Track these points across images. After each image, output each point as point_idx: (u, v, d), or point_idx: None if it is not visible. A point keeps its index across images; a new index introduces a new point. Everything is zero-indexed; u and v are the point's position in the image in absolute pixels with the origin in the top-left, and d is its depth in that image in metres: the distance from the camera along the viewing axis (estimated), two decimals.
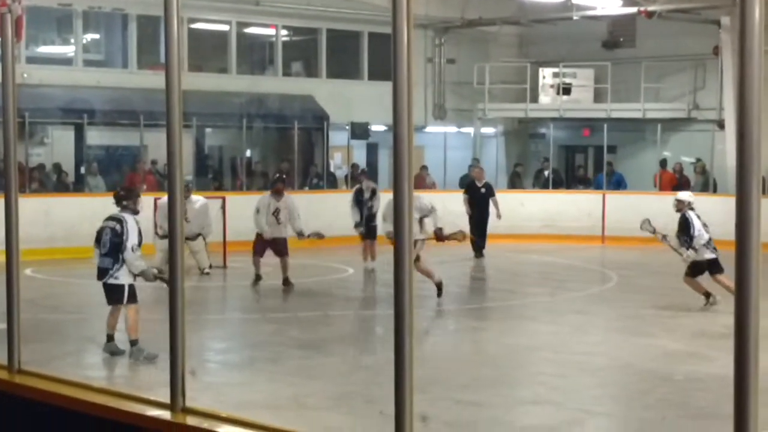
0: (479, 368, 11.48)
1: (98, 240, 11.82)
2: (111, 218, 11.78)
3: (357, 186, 21.38)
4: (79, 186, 24.07)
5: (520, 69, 30.06)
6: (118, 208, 11.78)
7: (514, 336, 13.63)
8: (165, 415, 3.96)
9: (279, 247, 17.44)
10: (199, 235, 18.73)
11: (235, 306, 17.06)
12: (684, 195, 15.78)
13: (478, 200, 22.59)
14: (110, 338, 11.72)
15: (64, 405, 4.26)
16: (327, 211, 24.85)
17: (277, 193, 17.67)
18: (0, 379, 4.63)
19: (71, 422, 4.25)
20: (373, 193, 20.53)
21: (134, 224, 11.58)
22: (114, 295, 11.64)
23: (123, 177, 24.77)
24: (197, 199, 19.22)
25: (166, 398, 4.04)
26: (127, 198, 11.80)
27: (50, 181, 24.18)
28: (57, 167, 24.40)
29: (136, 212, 11.80)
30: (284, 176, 20.05)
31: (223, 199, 21.09)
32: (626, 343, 12.91)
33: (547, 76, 29.76)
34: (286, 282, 17.19)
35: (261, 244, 17.52)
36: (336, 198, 25.65)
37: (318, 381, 10.65)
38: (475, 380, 10.76)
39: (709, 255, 14.85)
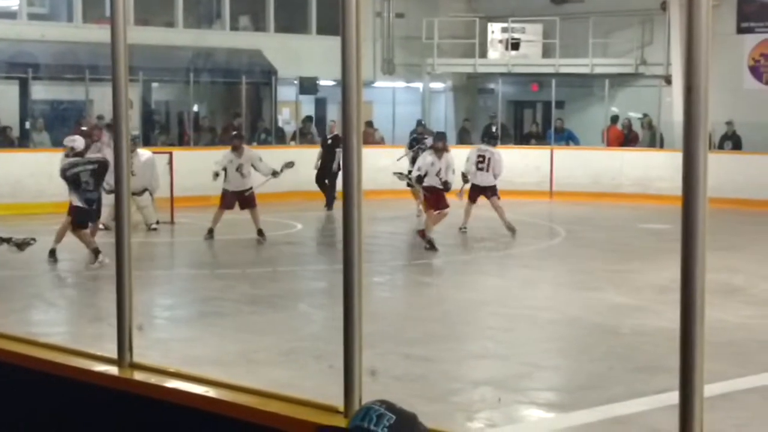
0: (428, 323, 11.52)
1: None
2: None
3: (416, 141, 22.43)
4: (24, 142, 23.81)
5: (469, 24, 30.01)
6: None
7: (462, 291, 13.69)
8: (112, 370, 3.94)
9: (247, 199, 17.54)
10: (145, 190, 18.63)
11: (183, 261, 16.99)
12: None
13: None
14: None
15: (9, 360, 4.23)
16: (276, 166, 24.77)
17: (237, 149, 17.72)
18: None
19: (16, 378, 4.22)
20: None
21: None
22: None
23: (68, 132, 24.51)
24: (143, 153, 19.11)
25: (113, 354, 4.02)
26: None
27: None
28: None
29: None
30: (241, 132, 20.43)
31: (170, 154, 20.96)
32: (574, 297, 13.01)
33: (495, 31, 29.72)
34: (261, 233, 17.33)
35: (229, 198, 17.60)
36: (284, 153, 25.57)
37: (267, 336, 10.65)
38: (425, 335, 10.81)
39: None
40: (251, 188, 17.56)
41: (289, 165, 17.98)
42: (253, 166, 17.59)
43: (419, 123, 25.68)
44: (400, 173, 20.31)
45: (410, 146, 22.88)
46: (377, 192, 21.28)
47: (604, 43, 28.99)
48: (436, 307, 12.71)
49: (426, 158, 17.06)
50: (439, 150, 17.10)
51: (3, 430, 4.32)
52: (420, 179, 17.02)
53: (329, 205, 22.50)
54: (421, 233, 16.82)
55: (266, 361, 9.54)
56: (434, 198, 16.85)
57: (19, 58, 23.80)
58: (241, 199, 17.49)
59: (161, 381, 3.80)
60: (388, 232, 19.01)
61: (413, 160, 21.76)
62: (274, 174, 17.69)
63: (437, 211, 16.84)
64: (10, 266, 14.94)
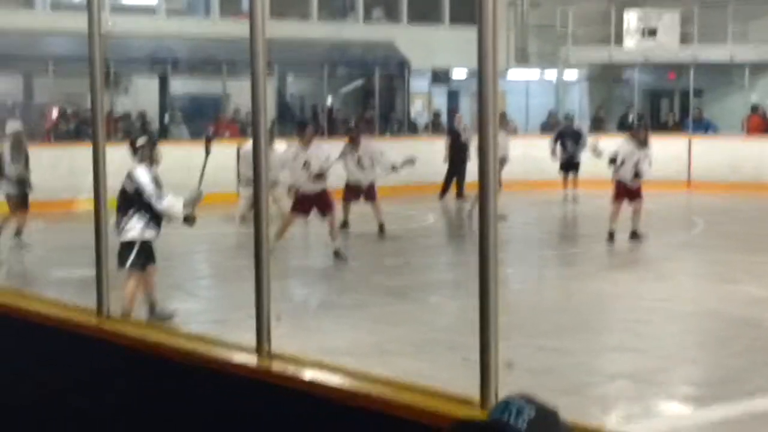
0: (562, 315, 11.43)
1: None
2: (127, 175, 10.82)
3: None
4: (163, 135, 24.31)
5: (604, 12, 29.60)
6: (135, 158, 10.92)
7: (598, 282, 13.55)
8: (251, 360, 3.99)
9: (369, 191, 17.45)
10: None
11: (317, 253, 17.14)
12: None
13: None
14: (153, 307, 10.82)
15: (151, 351, 4.32)
16: (398, 160, 24.82)
17: (353, 142, 17.57)
18: (90, 326, 4.70)
19: (158, 368, 4.31)
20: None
21: (146, 174, 10.70)
22: (123, 252, 10.43)
23: (206, 126, 24.96)
24: (280, 146, 19.36)
25: (251, 344, 4.07)
26: (143, 147, 11.01)
27: (135, 130, 24.41)
28: (142, 116, 24.65)
29: (153, 161, 11.00)
30: (358, 125, 20.57)
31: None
32: (713, 290, 12.77)
33: (632, 18, 29.27)
34: (381, 228, 17.23)
35: (351, 192, 17.51)
36: (417, 145, 25.62)
37: (400, 327, 10.69)
38: (558, 327, 10.73)
39: None
40: (372, 182, 17.47)
41: (410, 162, 17.35)
42: (372, 159, 17.44)
43: (567, 117, 25.29)
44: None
45: (559, 141, 22.78)
46: (508, 183, 21.16)
47: (744, 30, 28.31)
48: (571, 299, 12.60)
49: (625, 146, 16.52)
50: (639, 140, 16.49)
51: (143, 419, 4.41)
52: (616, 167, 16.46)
53: (460, 195, 22.47)
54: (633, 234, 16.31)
55: (400, 352, 9.58)
56: (625, 191, 16.38)
57: (159, 54, 24.31)
58: (365, 192, 17.44)
59: (299, 371, 3.84)
60: (520, 223, 18.91)
61: (568, 158, 21.79)
62: (393, 169, 17.48)
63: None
64: None
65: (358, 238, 17.46)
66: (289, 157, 15.34)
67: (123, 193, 10.45)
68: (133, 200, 10.40)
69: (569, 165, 22.63)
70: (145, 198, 10.45)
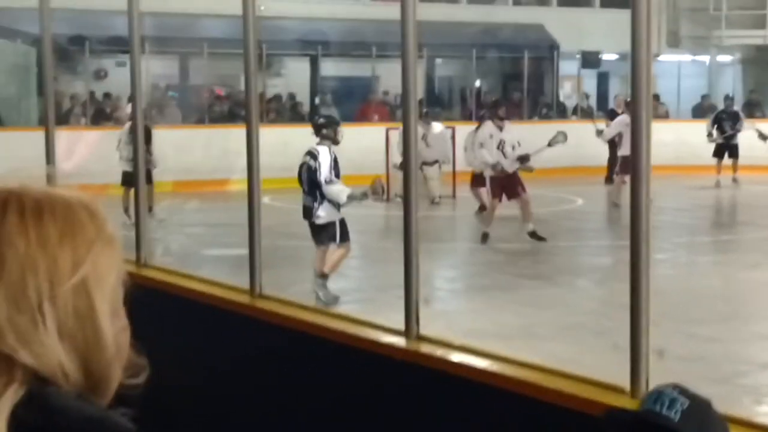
0: (713, 302, 11.23)
1: (299, 176, 11.30)
2: (308, 153, 11.22)
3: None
4: (313, 116, 24.58)
5: None
6: (317, 138, 11.19)
7: (749, 269, 13.25)
8: (400, 342, 4.03)
9: (513, 184, 15.18)
10: (436, 162, 18.96)
11: (464, 235, 17.15)
12: None
13: None
14: (324, 276, 11.09)
15: (303, 329, 4.40)
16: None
17: (499, 123, 15.39)
18: (242, 303, 4.81)
19: (309, 346, 4.39)
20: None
21: (327, 156, 10.90)
22: (321, 234, 11.02)
23: (355, 107, 25.16)
24: (437, 125, 19.47)
25: (400, 325, 4.11)
26: (326, 126, 11.24)
27: (286, 111, 24.77)
28: (291, 97, 24.97)
29: (336, 142, 11.21)
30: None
31: (453, 129, 21.15)
32: None
33: None
34: (534, 235, 14.76)
35: (498, 186, 15.16)
36: (565, 128, 25.35)
37: (547, 311, 10.64)
38: (709, 314, 10.54)
39: None
40: (515, 173, 16.52)
41: (559, 139, 16.44)
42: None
43: (727, 98, 24.59)
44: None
45: (716, 124, 22.30)
46: (660, 167, 20.82)
47: None
48: (722, 286, 12.36)
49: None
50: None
51: (295, 396, 4.50)
52: None
53: (609, 179, 22.20)
54: None
55: (546, 336, 9.53)
56: None
57: (310, 36, 24.58)
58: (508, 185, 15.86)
59: (446, 354, 3.87)
60: (672, 208, 18.59)
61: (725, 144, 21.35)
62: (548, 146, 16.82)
63: None
64: (300, 236, 15.48)
65: (505, 221, 17.40)
66: (485, 137, 15.01)
67: (312, 173, 10.90)
68: (320, 183, 10.76)
69: (727, 148, 22.15)
70: (316, 178, 10.79)
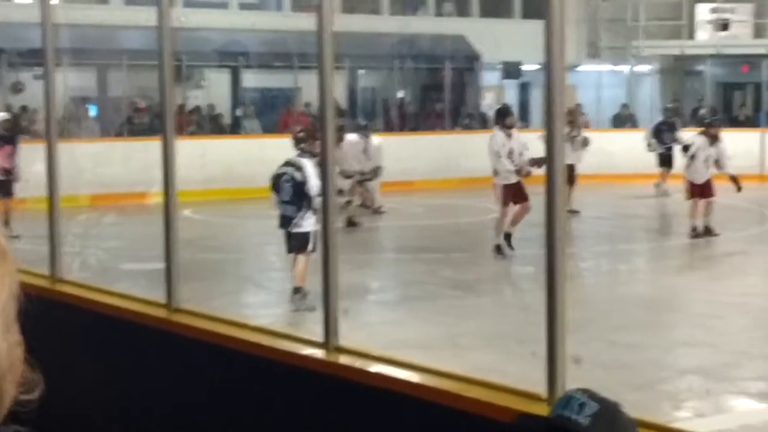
0: (634, 309, 11.34)
1: (275, 186, 11.36)
2: (289, 164, 11.30)
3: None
4: (235, 128, 24.47)
5: (675, 5, 29.28)
6: (296, 151, 11.31)
7: (669, 277, 13.43)
8: (318, 353, 4.01)
9: (521, 190, 14.85)
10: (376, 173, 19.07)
11: (387, 246, 17.18)
12: None
13: None
14: (298, 290, 11.15)
15: (219, 343, 4.36)
16: (478, 151, 24.75)
17: (509, 128, 15.05)
18: (158, 317, 4.76)
19: (226, 360, 4.35)
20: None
21: (314, 168, 10.90)
22: (298, 243, 11.15)
23: (277, 119, 25.09)
24: (375, 138, 19.56)
25: (319, 337, 4.09)
26: (305, 140, 11.31)
27: (207, 123, 24.63)
28: (212, 108, 24.82)
29: (314, 155, 10.98)
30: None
31: (376, 140, 21.16)
32: None
33: (704, 11, 28.93)
34: (508, 238, 14.67)
35: (509, 193, 14.90)
36: (487, 138, 25.51)
37: (471, 321, 10.67)
38: (630, 321, 10.64)
39: None
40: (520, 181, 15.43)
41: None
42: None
43: (668, 109, 24.78)
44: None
45: (656, 135, 22.47)
46: (582, 177, 21.04)
47: None
48: (642, 294, 12.50)
49: (697, 141, 16.20)
50: (711, 136, 16.22)
51: (212, 410, 4.45)
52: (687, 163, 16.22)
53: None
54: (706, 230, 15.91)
55: (470, 346, 9.56)
56: (697, 188, 16.06)
57: (231, 47, 24.47)
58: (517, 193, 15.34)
59: (366, 365, 3.85)
60: (593, 217, 18.78)
61: (665, 154, 21.59)
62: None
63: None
64: (222, 249, 15.41)
65: (429, 231, 17.46)
66: (499, 145, 14.80)
67: (298, 185, 11.02)
68: (305, 193, 10.97)
69: (667, 159, 22.36)
70: (305, 189, 10.97)
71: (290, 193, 11.11)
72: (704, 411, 7.79)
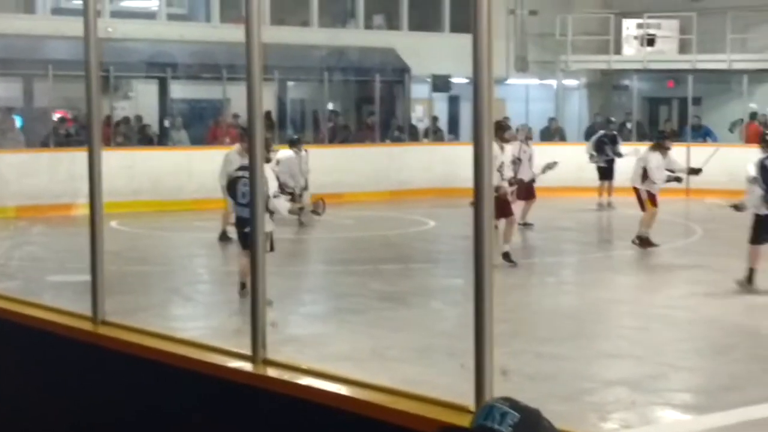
0: (561, 321, 11.42)
1: (231, 189, 12.04)
2: (245, 168, 11.04)
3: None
4: (163, 139, 24.31)
5: (603, 20, 29.64)
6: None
7: (596, 289, 13.54)
8: (246, 366, 3.99)
9: (506, 204, 14.79)
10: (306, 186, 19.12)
11: (316, 258, 17.15)
12: None
13: None
14: (245, 286, 11.43)
15: (146, 356, 4.32)
16: (409, 163, 24.86)
17: (503, 141, 14.88)
18: (84, 330, 4.70)
19: (153, 373, 4.31)
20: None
21: (270, 172, 11.74)
22: None
23: (206, 130, 24.97)
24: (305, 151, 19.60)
25: (248, 349, 4.07)
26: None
27: (134, 134, 24.43)
28: (139, 119, 24.63)
29: (267, 160, 12.01)
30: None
31: (306, 151, 21.15)
32: (711, 297, 12.74)
33: (630, 27, 29.31)
34: (507, 257, 14.59)
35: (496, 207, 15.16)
36: (417, 151, 25.61)
37: (400, 333, 10.68)
38: (557, 333, 10.72)
39: None
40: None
41: (551, 166, 17.50)
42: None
43: (609, 121, 24.90)
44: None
45: (597, 147, 22.66)
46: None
47: (743, 39, 28.33)
48: (570, 306, 12.59)
49: (657, 158, 16.65)
50: (666, 149, 16.81)
51: (139, 424, 4.41)
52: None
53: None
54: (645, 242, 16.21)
55: (399, 358, 9.56)
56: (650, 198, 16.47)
57: (159, 58, 24.30)
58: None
59: (294, 378, 3.84)
60: (519, 229, 18.88)
61: (606, 167, 21.86)
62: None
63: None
64: (149, 262, 15.29)
65: (358, 243, 17.46)
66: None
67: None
68: (268, 196, 11.26)
69: (608, 171, 22.61)
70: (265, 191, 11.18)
71: (248, 195, 11.21)
72: (630, 422, 7.86)
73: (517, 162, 17.54)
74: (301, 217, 18.13)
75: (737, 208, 13.70)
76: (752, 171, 13.07)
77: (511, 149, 15.58)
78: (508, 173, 15.29)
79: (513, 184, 15.28)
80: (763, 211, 12.82)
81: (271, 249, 11.46)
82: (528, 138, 19.55)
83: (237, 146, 16.71)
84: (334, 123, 27.10)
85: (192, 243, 17.52)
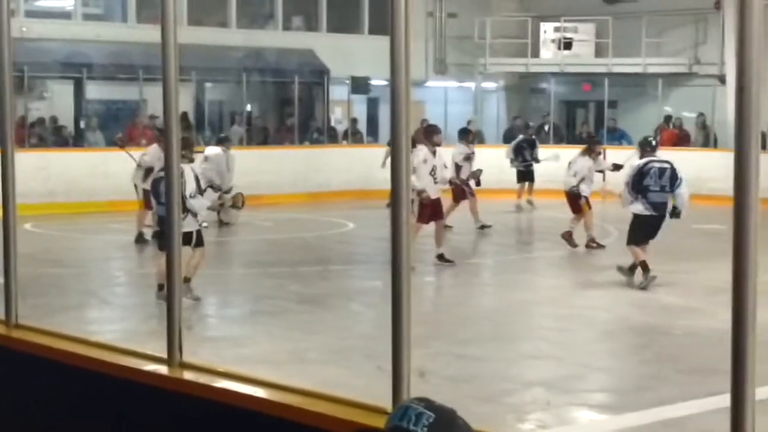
0: (480, 323, 11.49)
1: (154, 190, 12.14)
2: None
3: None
4: (78, 141, 24.01)
5: (521, 23, 29.90)
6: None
7: (515, 291, 13.63)
8: (162, 369, 3.96)
9: (438, 208, 15.22)
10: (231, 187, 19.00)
11: (235, 260, 17.06)
12: None
13: None
14: (163, 287, 11.55)
15: (60, 359, 4.26)
16: (327, 165, 24.83)
17: (435, 146, 15.17)
18: None
19: (68, 376, 4.26)
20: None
21: (191, 173, 11.83)
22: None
23: (122, 131, 24.73)
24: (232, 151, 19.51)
25: (164, 353, 4.03)
26: (184, 147, 11.74)
27: (50, 135, 24.11)
28: (54, 120, 24.30)
29: (191, 161, 12.34)
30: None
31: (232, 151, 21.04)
32: (626, 298, 12.91)
33: (548, 30, 29.60)
34: (442, 258, 15.05)
35: (426, 211, 14.91)
36: (336, 153, 25.60)
37: (318, 335, 10.67)
38: (476, 335, 10.78)
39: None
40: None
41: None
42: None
43: (527, 125, 25.15)
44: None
45: (516, 151, 22.89)
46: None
47: (658, 43, 28.77)
48: (488, 307, 12.67)
49: (585, 163, 17.08)
50: (597, 154, 17.57)
51: (53, 428, 4.35)
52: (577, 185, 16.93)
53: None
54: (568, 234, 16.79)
55: (317, 360, 9.56)
56: (578, 203, 17.01)
57: (74, 58, 24.00)
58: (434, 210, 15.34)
59: (210, 380, 3.81)
60: (477, 231, 18.95)
61: (525, 170, 22.18)
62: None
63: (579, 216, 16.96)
64: (65, 264, 15.10)
65: (277, 245, 17.41)
66: (419, 161, 14.63)
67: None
68: (183, 196, 11.50)
69: (527, 174, 22.91)
70: (183, 193, 11.45)
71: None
72: (547, 423, 7.93)
73: (470, 159, 18.99)
74: (222, 215, 18.15)
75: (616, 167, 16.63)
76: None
77: (468, 150, 16.03)
78: (447, 174, 15.45)
79: (454, 184, 15.55)
80: (643, 212, 13.54)
81: (198, 245, 11.83)
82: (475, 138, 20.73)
83: (154, 146, 16.65)
84: (252, 124, 26.97)
85: (108, 245, 17.34)
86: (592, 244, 16.86)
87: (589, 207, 16.97)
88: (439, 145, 15.32)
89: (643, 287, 13.09)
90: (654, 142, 14.40)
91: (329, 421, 3.30)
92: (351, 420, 3.25)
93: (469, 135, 19.64)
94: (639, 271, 13.38)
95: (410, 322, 3.23)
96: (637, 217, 13.60)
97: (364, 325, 11.35)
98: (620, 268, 13.60)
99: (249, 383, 3.71)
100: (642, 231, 13.49)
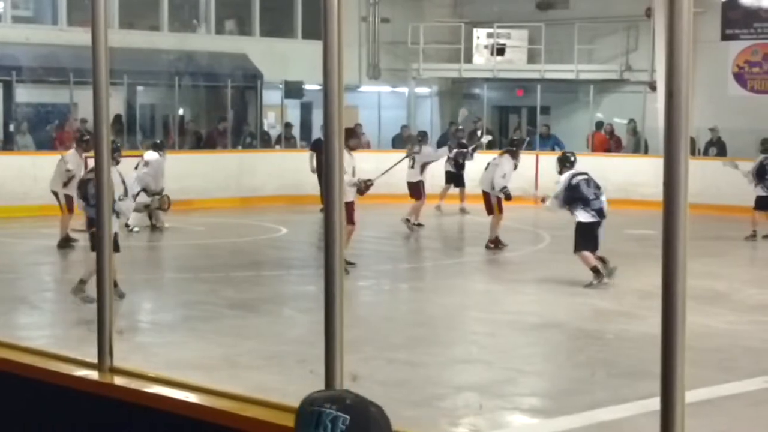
0: (413, 328, 11.51)
1: (82, 191, 12.26)
2: (92, 170, 11.81)
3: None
4: (7, 144, 23.72)
5: (454, 29, 30.02)
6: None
7: (447, 296, 13.67)
8: (92, 375, 3.91)
9: (350, 212, 14.85)
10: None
11: (166, 265, 16.95)
12: None
13: None
14: (84, 281, 11.80)
15: None
16: (260, 170, 24.75)
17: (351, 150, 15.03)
18: None
19: None
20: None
21: (117, 175, 11.86)
22: None
23: (52, 135, 24.46)
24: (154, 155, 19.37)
25: (94, 358, 3.99)
26: (113, 151, 12.07)
27: None
28: None
29: (117, 163, 12.61)
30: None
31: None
32: (558, 302, 13.01)
33: (481, 36, 29.75)
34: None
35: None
36: (269, 157, 25.51)
37: (250, 340, 10.63)
38: (409, 339, 10.79)
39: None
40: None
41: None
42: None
43: (459, 131, 25.24)
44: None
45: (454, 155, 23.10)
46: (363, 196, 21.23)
47: (590, 49, 29.04)
48: (421, 312, 12.69)
49: (509, 164, 17.43)
50: (517, 156, 17.93)
51: None
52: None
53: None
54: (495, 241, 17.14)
55: (249, 366, 9.52)
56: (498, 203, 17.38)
57: (3, 61, 23.72)
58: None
59: (141, 386, 3.78)
60: (373, 237, 18.99)
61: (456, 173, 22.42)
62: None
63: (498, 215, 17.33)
64: None
65: (209, 250, 17.31)
66: (347, 163, 14.35)
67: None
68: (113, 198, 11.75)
69: (456, 177, 23.08)
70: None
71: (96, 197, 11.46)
72: (480, 427, 7.96)
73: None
74: (153, 219, 18.07)
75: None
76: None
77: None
78: (352, 180, 15.33)
79: (363, 191, 15.47)
80: (589, 220, 14.02)
81: (117, 250, 11.52)
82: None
83: (73, 152, 16.64)
84: (184, 128, 26.80)
85: (37, 250, 17.13)
86: (497, 243, 17.20)
87: (500, 210, 17.36)
88: (354, 149, 15.34)
89: (589, 286, 13.54)
90: (573, 158, 14.94)
91: (262, 426, 3.29)
92: (284, 425, 3.23)
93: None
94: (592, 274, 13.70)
95: (343, 326, 3.23)
96: (581, 225, 14.00)
97: (296, 330, 11.33)
98: (597, 272, 13.87)
99: (180, 388, 3.68)
100: (588, 237, 13.92)
